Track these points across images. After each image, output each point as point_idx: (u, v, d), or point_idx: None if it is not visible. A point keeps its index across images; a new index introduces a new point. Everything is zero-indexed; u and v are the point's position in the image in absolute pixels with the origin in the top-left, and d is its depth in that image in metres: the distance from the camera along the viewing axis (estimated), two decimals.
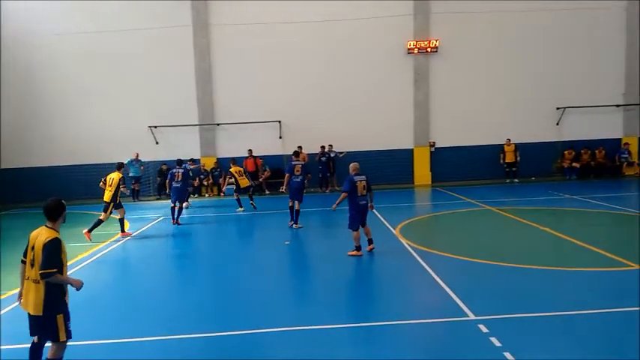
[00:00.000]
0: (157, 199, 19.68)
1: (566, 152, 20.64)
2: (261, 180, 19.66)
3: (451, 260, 9.21)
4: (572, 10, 20.05)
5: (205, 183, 19.74)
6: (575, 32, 20.22)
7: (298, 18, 19.78)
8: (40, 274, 4.50)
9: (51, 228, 4.74)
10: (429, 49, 20.04)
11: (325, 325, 6.32)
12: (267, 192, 19.79)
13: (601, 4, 20.13)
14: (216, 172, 19.82)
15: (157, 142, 20.17)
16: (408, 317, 6.53)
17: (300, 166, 12.93)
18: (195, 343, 5.99)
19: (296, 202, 12.73)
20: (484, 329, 5.92)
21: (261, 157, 19.87)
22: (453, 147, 20.70)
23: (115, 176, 12.12)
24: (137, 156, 19.21)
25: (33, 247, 4.65)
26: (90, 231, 11.67)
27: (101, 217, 11.93)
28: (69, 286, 4.79)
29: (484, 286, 7.75)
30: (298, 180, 12.79)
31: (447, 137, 20.64)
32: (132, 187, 19.15)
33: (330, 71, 20.09)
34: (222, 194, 19.38)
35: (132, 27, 19.54)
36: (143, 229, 13.53)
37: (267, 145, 20.09)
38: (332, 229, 12.97)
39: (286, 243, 11.29)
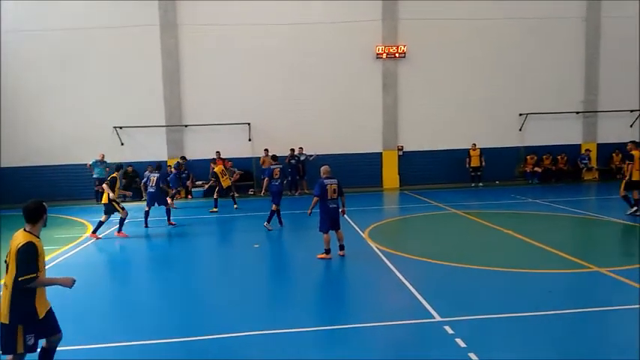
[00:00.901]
0: (122, 201, 19.17)
1: (528, 157, 21.30)
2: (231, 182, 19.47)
3: (418, 263, 9.36)
4: (534, 20, 20.73)
5: None
6: (538, 41, 20.90)
7: (268, 20, 19.76)
8: (20, 281, 4.28)
9: (28, 232, 4.49)
10: (397, 55, 20.34)
11: (294, 328, 6.32)
12: (237, 194, 19.56)
13: (562, 15, 20.89)
14: (184, 174, 19.51)
15: (122, 143, 19.74)
16: (376, 320, 6.59)
17: (279, 169, 13.19)
18: (161, 348, 5.89)
19: (273, 204, 12.90)
20: (450, 330, 6.04)
21: (230, 160, 19.72)
22: (421, 151, 21.06)
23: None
24: (103, 157, 18.75)
25: (11, 250, 4.45)
26: (95, 231, 12.34)
27: (102, 219, 12.42)
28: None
29: (450, 288, 7.91)
30: (277, 183, 12.97)
31: (414, 141, 20.97)
32: (95, 188, 18.69)
33: (300, 74, 20.12)
34: (189, 196, 19.13)
35: (98, 25, 19.10)
36: (108, 232, 13.20)
37: (237, 148, 19.94)
38: (302, 232, 12.98)
39: (255, 246, 11.23)
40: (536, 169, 21.07)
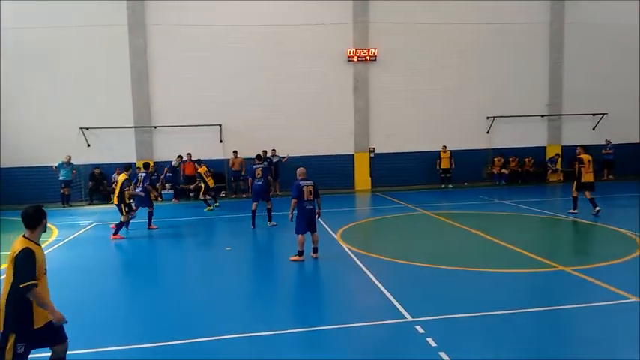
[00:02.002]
0: (89, 204, 18.78)
1: (496, 159, 21.82)
2: (192, 187, 19.27)
3: (390, 264, 9.47)
4: (502, 25, 21.27)
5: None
6: (505, 46, 21.45)
7: (239, 21, 19.66)
8: (21, 288, 4.15)
9: (27, 238, 4.37)
10: (368, 58, 20.53)
11: (268, 331, 6.30)
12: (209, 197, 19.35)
13: (528, 20, 21.51)
14: (154, 177, 19.15)
15: (88, 145, 19.27)
16: (349, 321, 6.63)
17: (261, 169, 13.38)
18: (136, 353, 5.79)
19: (267, 202, 13.21)
20: (420, 330, 6.13)
21: (202, 161, 19.46)
22: (392, 153, 21.30)
23: (120, 178, 12.77)
24: (69, 159, 18.28)
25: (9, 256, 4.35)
26: (116, 233, 12.40)
27: (122, 219, 12.61)
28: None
29: (420, 288, 8.04)
30: (260, 183, 13.16)
31: (386, 143, 21.20)
32: (62, 191, 18.21)
33: (272, 76, 20.08)
34: (159, 199, 18.82)
35: (65, 24, 18.63)
36: (73, 236, 12.87)
37: (208, 149, 19.73)
38: (274, 235, 12.95)
39: (227, 249, 11.15)
40: (503, 170, 21.59)
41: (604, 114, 22.21)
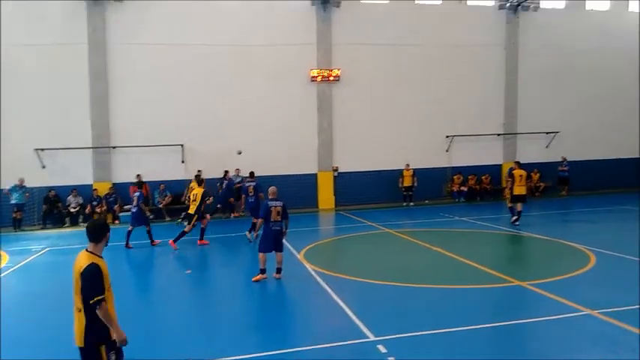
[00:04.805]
0: (42, 228, 18.03)
1: (455, 177, 22.35)
2: (161, 206, 18.89)
3: (353, 283, 9.48)
4: (459, 47, 22.02)
5: (98, 210, 18.47)
6: (462, 67, 22.18)
7: (203, 41, 19.57)
8: (91, 304, 4.20)
9: (91, 252, 4.41)
10: (331, 78, 20.80)
11: (229, 356, 6.16)
12: (168, 219, 18.99)
13: (484, 43, 22.35)
14: (112, 199, 18.69)
15: (43, 166, 18.60)
16: (310, 343, 6.57)
17: (253, 186, 14.19)
18: None
19: (253, 217, 13.59)
20: (383, 349, 6.14)
21: (163, 182, 19.13)
22: (356, 172, 21.49)
23: (198, 192, 13.55)
24: (22, 182, 17.56)
25: (74, 272, 4.35)
26: (175, 240, 12.97)
27: (186, 230, 13.23)
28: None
29: (383, 306, 8.06)
30: (252, 200, 13.98)
31: (349, 162, 21.39)
32: (14, 215, 17.45)
33: (235, 95, 20.02)
34: (116, 222, 18.31)
35: (22, 42, 18.01)
36: (24, 262, 12.31)
37: (169, 170, 19.38)
38: (236, 256, 12.79)
39: (187, 272, 10.91)
40: (462, 188, 22.12)
41: (556, 132, 23.18)
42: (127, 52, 19.04)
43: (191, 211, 13.52)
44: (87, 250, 4.44)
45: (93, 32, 18.75)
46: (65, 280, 10.30)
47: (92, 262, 4.30)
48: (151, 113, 19.26)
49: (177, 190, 19.28)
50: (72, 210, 18.35)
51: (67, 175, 18.54)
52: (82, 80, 18.71)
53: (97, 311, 4.22)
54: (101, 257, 4.44)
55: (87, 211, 18.33)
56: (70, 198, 18.42)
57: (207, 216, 14.18)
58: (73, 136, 18.67)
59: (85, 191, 18.68)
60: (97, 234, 4.48)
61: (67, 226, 18.13)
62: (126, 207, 18.72)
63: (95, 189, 18.75)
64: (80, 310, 4.31)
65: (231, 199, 19.14)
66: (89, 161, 19.02)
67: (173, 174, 19.46)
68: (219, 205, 18.85)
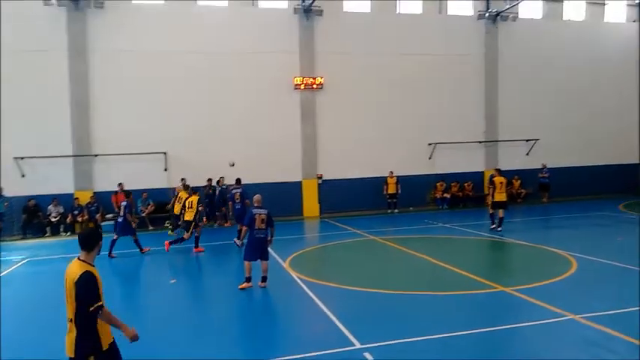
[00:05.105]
0: (22, 238, 17.67)
1: (438, 184, 22.56)
2: (144, 215, 18.66)
3: (338, 290, 9.48)
4: (440, 56, 22.32)
5: (79, 219, 18.19)
6: (444, 75, 22.46)
7: (185, 48, 19.50)
8: (91, 311, 4.20)
9: (83, 260, 4.36)
10: (314, 86, 20.88)
11: None
12: (151, 227, 18.77)
13: (464, 52, 22.69)
14: (93, 207, 18.41)
15: (23, 175, 18.25)
16: (298, 351, 6.54)
17: (239, 193, 14.59)
18: None
19: (238, 224, 13.80)
20: (369, 357, 6.15)
21: (145, 190, 18.91)
22: (340, 179, 21.54)
23: (193, 199, 13.80)
24: (1, 191, 17.21)
25: (67, 281, 4.32)
26: (171, 243, 13.45)
27: (185, 237, 13.49)
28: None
29: (369, 313, 8.07)
30: (239, 207, 14.26)
31: (334, 170, 21.44)
32: None
33: (219, 103, 19.96)
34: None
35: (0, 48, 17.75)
36: (4, 273, 12.04)
37: (152, 178, 19.19)
38: (221, 264, 12.70)
39: (172, 281, 10.79)
40: (445, 195, 22.34)
41: (536, 140, 23.59)
42: (108, 58, 18.86)
43: (189, 218, 13.59)
44: (79, 259, 4.40)
45: (73, 39, 18.55)
46: (47, 290, 10.16)
47: (86, 271, 4.27)
48: (133, 121, 19.08)
49: (160, 198, 19.08)
50: (53, 219, 18.02)
51: (48, 184, 18.23)
52: (62, 87, 18.47)
53: (100, 318, 4.23)
54: (93, 266, 4.40)
55: (68, 220, 18.04)
56: (51, 207, 18.10)
57: (201, 224, 14.24)
58: (53, 145, 18.39)
59: (65, 200, 18.37)
60: (90, 242, 4.44)
61: (48, 236, 17.80)
62: (108, 216, 18.51)
63: (76, 198, 18.46)
64: (71, 321, 4.28)
65: (223, 208, 19.03)
66: (70, 170, 18.74)
67: (156, 182, 19.27)
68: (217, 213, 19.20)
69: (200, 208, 13.98)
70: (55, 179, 18.35)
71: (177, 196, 16.66)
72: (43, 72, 18.29)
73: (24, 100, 18.09)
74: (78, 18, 18.55)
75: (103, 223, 18.15)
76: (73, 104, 18.63)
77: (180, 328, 7.89)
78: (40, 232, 17.97)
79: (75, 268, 4.31)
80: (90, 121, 18.85)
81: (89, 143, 18.86)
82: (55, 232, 18.03)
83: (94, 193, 18.75)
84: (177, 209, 16.21)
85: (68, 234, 17.95)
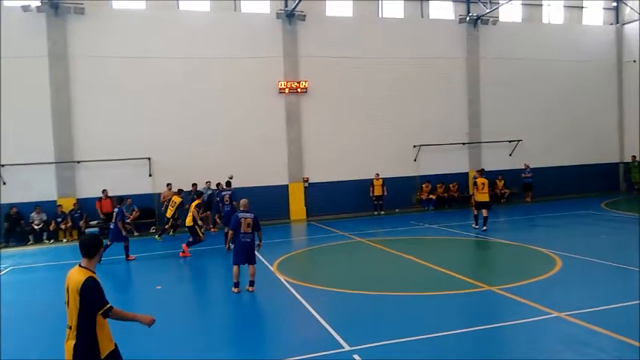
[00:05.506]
0: (4, 247, 17.35)
1: (423, 185, 22.72)
2: (128, 221, 18.42)
3: (327, 293, 9.49)
4: (423, 59, 22.54)
5: (63, 227, 17.93)
6: (427, 78, 22.68)
7: (168, 53, 19.41)
8: (101, 314, 4.25)
9: (85, 267, 4.33)
10: (299, 90, 20.91)
11: None
12: (137, 233, 18.57)
13: (447, 55, 22.94)
14: (77, 214, 18.17)
15: (4, 183, 17.94)
16: (285, 355, 6.52)
17: (229, 195, 14.73)
18: None
19: (225, 227, 13.84)
20: (358, 359, 6.16)
21: (130, 196, 18.71)
22: (326, 182, 21.58)
23: (176, 199, 15.97)
24: None
25: (68, 289, 4.29)
26: (188, 246, 13.65)
27: (201, 239, 13.79)
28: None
29: (358, 315, 8.08)
30: (228, 209, 14.23)
31: (320, 173, 21.47)
32: None
33: (203, 108, 19.86)
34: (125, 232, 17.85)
35: None
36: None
37: (136, 184, 19.01)
38: (208, 269, 12.61)
39: (158, 287, 10.69)
40: (431, 196, 22.51)
41: (519, 140, 23.90)
42: (89, 64, 18.67)
43: (190, 223, 13.70)
44: (80, 266, 4.38)
45: (53, 45, 18.32)
46: (31, 300, 9.98)
47: (89, 277, 4.28)
48: (116, 126, 18.90)
49: (144, 204, 18.91)
50: (35, 227, 17.73)
51: (30, 192, 17.97)
52: (43, 93, 18.22)
53: (111, 317, 4.29)
54: (94, 272, 4.39)
55: (51, 227, 17.78)
56: (34, 215, 17.81)
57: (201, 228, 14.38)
58: (35, 151, 18.12)
59: (48, 208, 18.10)
60: (91, 249, 4.42)
61: (31, 244, 17.51)
62: (92, 222, 18.28)
63: (59, 205, 18.19)
64: (70, 328, 4.26)
65: (208, 212, 18.92)
66: (52, 176, 18.48)
67: (140, 188, 19.10)
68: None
69: (196, 213, 14.01)
70: (37, 186, 18.08)
71: (170, 201, 16.62)
72: (23, 78, 18.02)
73: (4, 107, 17.80)
74: (58, 24, 18.34)
75: (86, 230, 17.93)
76: (54, 110, 18.40)
77: (167, 333, 7.79)
78: (22, 241, 17.67)
79: (77, 276, 4.28)
80: (72, 127, 18.62)
81: (72, 149, 18.62)
82: (38, 240, 17.74)
83: (78, 199, 18.51)
84: (169, 213, 16.46)
85: (51, 242, 17.69)
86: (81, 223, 18.03)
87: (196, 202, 14.28)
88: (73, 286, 4.24)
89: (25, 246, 17.33)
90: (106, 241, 13.37)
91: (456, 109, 23.28)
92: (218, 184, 19.00)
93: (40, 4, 17.99)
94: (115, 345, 4.52)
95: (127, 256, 13.66)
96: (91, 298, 4.22)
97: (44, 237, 17.82)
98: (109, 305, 4.27)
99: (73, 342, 4.25)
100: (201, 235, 13.78)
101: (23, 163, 17.97)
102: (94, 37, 18.72)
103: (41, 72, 18.17)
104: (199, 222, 13.98)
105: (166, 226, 17.29)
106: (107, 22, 18.88)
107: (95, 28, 18.72)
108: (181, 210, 16.40)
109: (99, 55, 18.70)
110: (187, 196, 17.46)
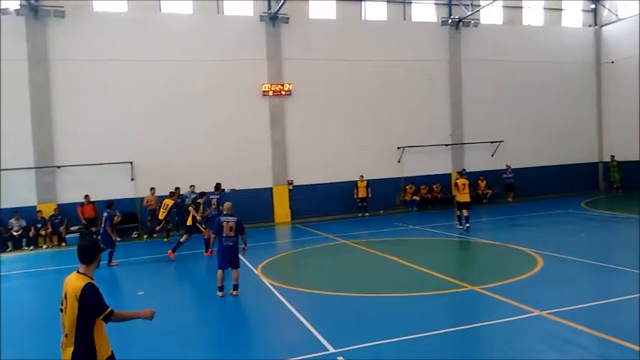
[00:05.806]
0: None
1: (407, 187, 22.86)
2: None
3: (311, 295, 9.49)
4: (406, 62, 22.69)
5: (43, 233, 17.62)
6: (410, 80, 22.83)
7: (150, 56, 19.23)
8: (103, 319, 4.26)
9: (83, 273, 4.29)
10: (283, 92, 20.89)
11: None
12: (119, 238, 18.28)
13: (429, 57, 23.14)
14: (57, 220, 17.87)
15: None
16: (270, 358, 6.52)
17: (216, 199, 14.62)
18: None
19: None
20: None
21: (112, 201, 18.43)
22: (311, 185, 21.57)
23: (169, 202, 16.36)
24: None
25: (66, 295, 4.24)
26: (207, 250, 14.01)
27: (209, 237, 13.73)
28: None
29: (342, 317, 8.10)
30: (215, 213, 13.90)
31: (304, 175, 21.45)
32: None
33: (186, 111, 19.72)
34: (63, 243, 17.54)
35: None
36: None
37: (118, 188, 18.77)
38: (192, 274, 12.51)
39: (140, 293, 10.57)
40: (414, 197, 22.65)
41: (500, 141, 24.20)
42: (69, 68, 18.41)
43: (189, 222, 14.04)
44: (78, 272, 4.33)
45: (33, 48, 18.04)
46: (11, 309, 9.78)
47: (88, 282, 4.24)
48: (97, 130, 18.66)
49: (127, 208, 18.67)
50: (14, 234, 17.39)
51: (9, 198, 17.62)
52: (22, 97, 17.91)
53: (113, 321, 4.28)
54: (93, 279, 4.33)
55: (30, 234, 17.46)
56: (13, 221, 17.47)
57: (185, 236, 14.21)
58: (14, 156, 17.77)
59: (28, 213, 17.76)
60: (89, 255, 4.36)
61: (10, 251, 17.18)
62: (72, 228, 18.00)
63: (39, 211, 17.87)
64: (67, 336, 4.21)
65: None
66: (32, 182, 18.15)
67: (122, 192, 18.88)
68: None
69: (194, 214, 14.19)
70: (16, 192, 17.74)
71: (162, 203, 16.95)
72: (2, 82, 17.68)
73: None
74: (38, 27, 18.07)
75: (67, 236, 17.66)
76: (34, 114, 18.10)
77: (151, 336, 7.72)
78: (1, 247, 17.32)
79: (75, 282, 4.24)
80: (52, 131, 18.34)
81: (52, 154, 18.34)
82: (18, 247, 17.41)
83: (58, 205, 18.19)
84: (161, 215, 16.78)
85: (31, 248, 17.37)
86: (61, 228, 17.75)
87: (199, 201, 14.66)
88: (72, 292, 4.20)
89: (3, 253, 16.98)
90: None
91: (439, 111, 23.48)
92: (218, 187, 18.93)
93: (19, 7, 17.71)
94: (112, 352, 4.49)
95: (110, 261, 13.50)
96: (92, 303, 4.19)
97: (23, 243, 17.49)
98: (110, 309, 4.25)
99: (72, 349, 4.21)
100: (203, 230, 14.02)
101: (2, 168, 17.61)
102: (74, 40, 18.47)
103: (21, 75, 17.87)
104: (198, 218, 14.12)
105: (157, 228, 17.20)
106: (88, 25, 18.66)
107: (76, 31, 18.48)
108: (172, 213, 16.78)
109: (80, 59, 18.47)
110: (161, 200, 17.49)
